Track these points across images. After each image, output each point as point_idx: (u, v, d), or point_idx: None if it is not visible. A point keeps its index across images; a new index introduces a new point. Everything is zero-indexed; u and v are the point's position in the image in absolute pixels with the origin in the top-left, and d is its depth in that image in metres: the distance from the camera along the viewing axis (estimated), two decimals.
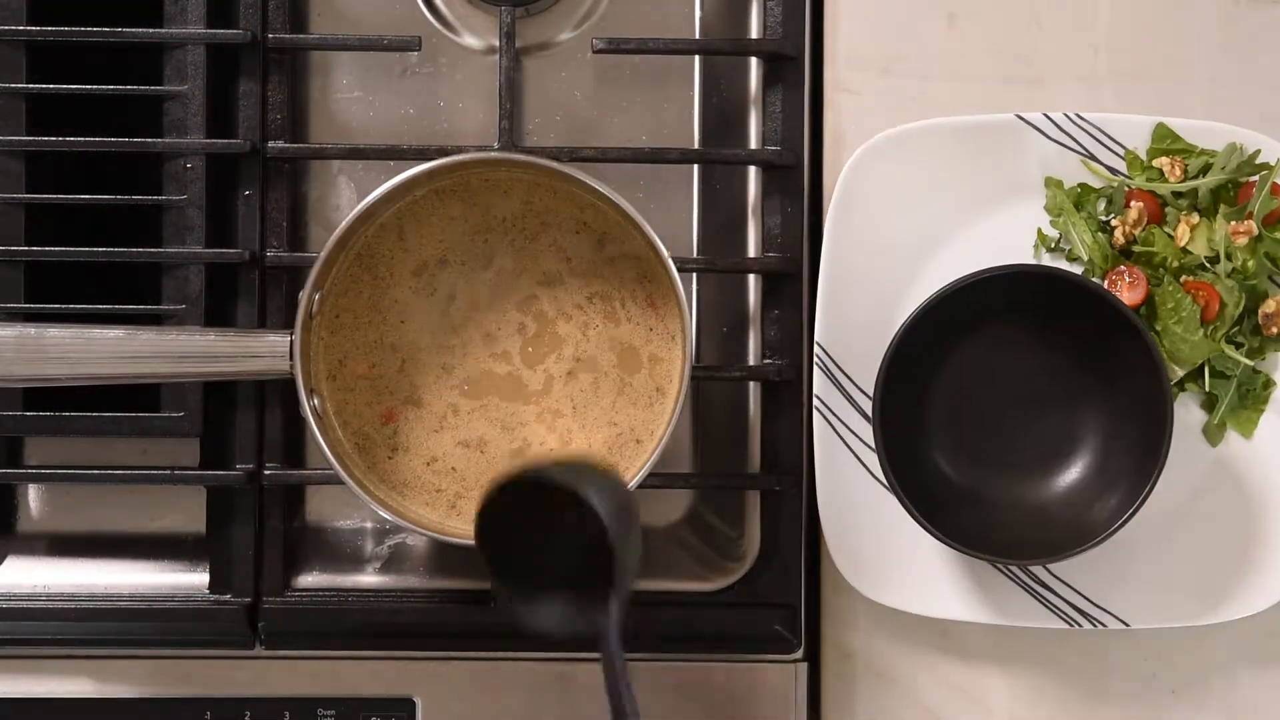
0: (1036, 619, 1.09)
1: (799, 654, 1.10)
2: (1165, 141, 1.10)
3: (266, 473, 1.10)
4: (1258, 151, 1.09)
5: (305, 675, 1.10)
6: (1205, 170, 1.10)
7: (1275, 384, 1.10)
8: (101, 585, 1.11)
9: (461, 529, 1.05)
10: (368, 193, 1.02)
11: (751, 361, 1.13)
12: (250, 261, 1.09)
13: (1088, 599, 1.09)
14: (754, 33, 1.15)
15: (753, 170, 1.14)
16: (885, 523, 1.09)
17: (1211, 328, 1.09)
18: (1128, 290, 1.09)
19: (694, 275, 1.14)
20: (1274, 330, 1.09)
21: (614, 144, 1.14)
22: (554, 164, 1.03)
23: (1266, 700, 1.11)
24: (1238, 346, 1.09)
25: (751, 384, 1.13)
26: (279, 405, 1.10)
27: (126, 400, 1.08)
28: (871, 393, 1.06)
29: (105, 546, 1.13)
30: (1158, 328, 1.09)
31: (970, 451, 1.10)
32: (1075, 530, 1.06)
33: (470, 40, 1.16)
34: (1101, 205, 1.11)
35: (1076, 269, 1.11)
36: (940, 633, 1.11)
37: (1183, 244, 1.10)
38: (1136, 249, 1.10)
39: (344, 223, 1.02)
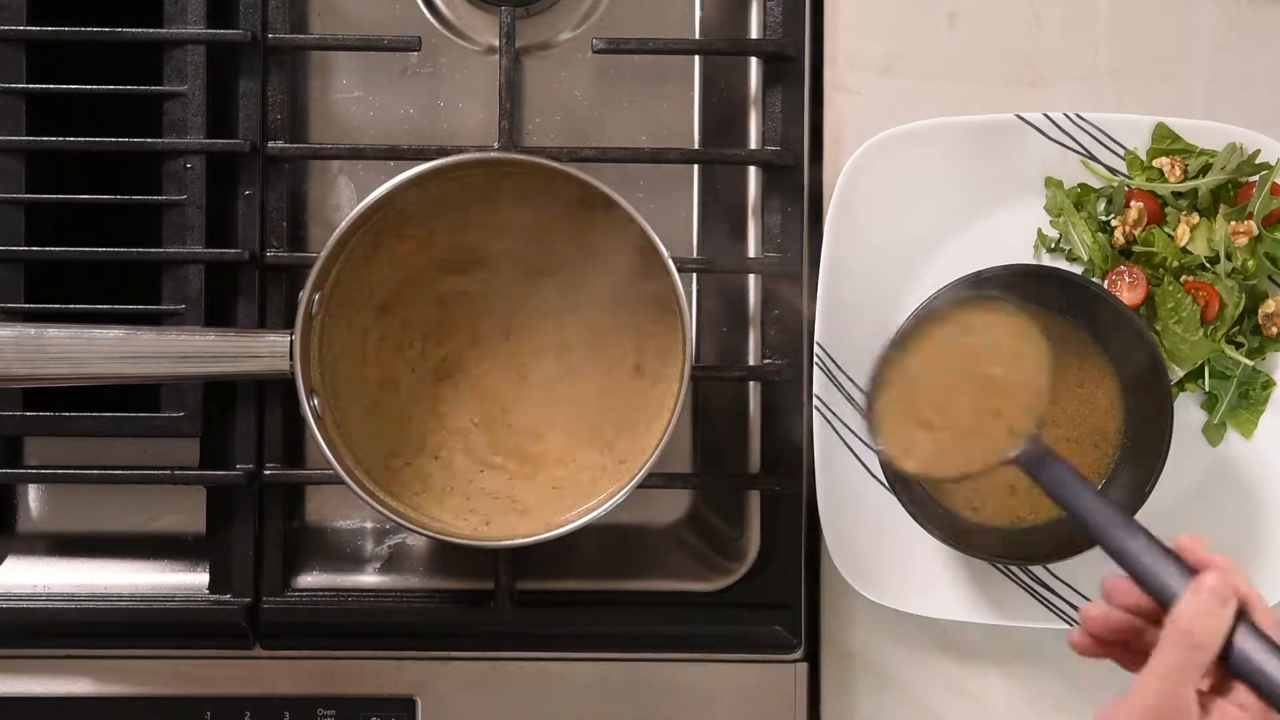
0: (1036, 619, 1.09)
1: (799, 654, 1.10)
2: (1165, 141, 1.10)
3: (266, 473, 1.10)
4: (1258, 151, 1.09)
5: (305, 675, 1.10)
6: (1205, 170, 1.10)
7: (1275, 384, 1.10)
8: (101, 585, 1.11)
9: (462, 529, 1.05)
10: (368, 193, 1.02)
11: (751, 361, 1.13)
12: (250, 261, 1.09)
13: (1088, 599, 1.09)
14: (754, 33, 1.15)
15: (753, 170, 1.14)
16: (885, 523, 1.08)
17: (1211, 328, 1.09)
18: (1128, 290, 1.09)
19: (694, 275, 1.14)
20: (1274, 330, 1.09)
21: (614, 144, 1.14)
22: (554, 164, 1.03)
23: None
24: (1238, 346, 1.09)
25: (751, 384, 1.13)
26: (279, 405, 1.10)
27: (126, 400, 1.08)
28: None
29: (105, 546, 1.13)
30: (1158, 328, 1.09)
31: None
32: (1076, 530, 1.06)
33: (470, 40, 1.16)
34: (1101, 205, 1.11)
35: (1076, 269, 1.11)
36: (940, 633, 1.11)
37: (1183, 244, 1.10)
38: (1136, 249, 1.10)
39: (344, 223, 1.02)
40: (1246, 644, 0.83)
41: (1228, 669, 0.84)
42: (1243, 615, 0.84)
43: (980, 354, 0.94)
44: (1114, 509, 0.89)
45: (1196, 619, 0.83)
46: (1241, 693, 0.83)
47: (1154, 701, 0.83)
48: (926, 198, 1.11)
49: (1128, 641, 0.88)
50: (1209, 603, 0.83)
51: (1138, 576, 0.87)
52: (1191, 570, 0.86)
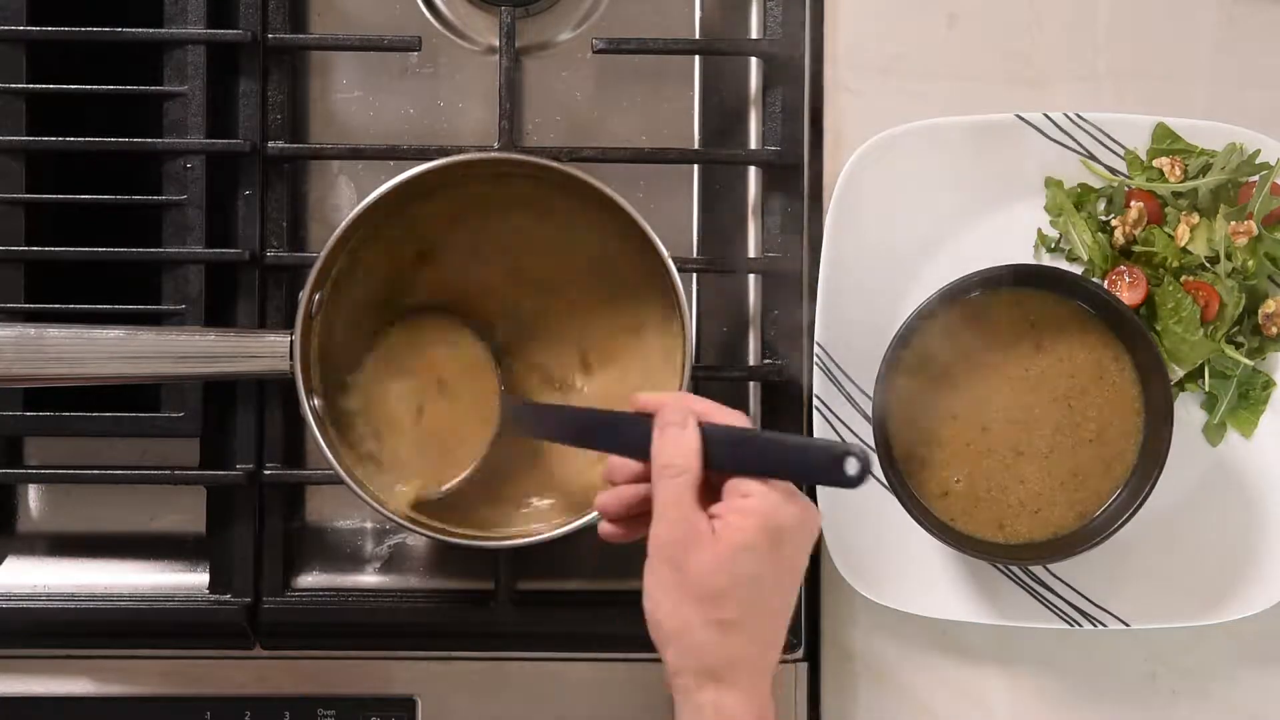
0: (1036, 619, 1.09)
1: (799, 654, 1.10)
2: (1165, 141, 1.10)
3: (266, 473, 1.10)
4: (1258, 151, 1.09)
5: (305, 675, 1.10)
6: (1205, 170, 1.10)
7: (1275, 384, 1.10)
8: (101, 585, 1.11)
9: (462, 529, 1.05)
10: (368, 193, 1.02)
11: (751, 361, 1.13)
12: (250, 261, 1.09)
13: (1088, 599, 1.09)
14: (754, 33, 1.15)
15: (753, 170, 1.14)
16: (885, 523, 1.08)
17: (1211, 328, 1.09)
18: (1128, 290, 1.09)
19: (694, 275, 1.14)
20: (1274, 330, 1.09)
21: (614, 144, 1.14)
22: (554, 164, 1.03)
23: (1266, 700, 1.11)
24: (1238, 346, 1.09)
25: (751, 384, 1.13)
26: (279, 405, 1.10)
27: (126, 400, 1.08)
28: (872, 393, 1.06)
29: (105, 546, 1.13)
30: (1158, 328, 1.09)
31: None
32: (1075, 530, 1.06)
33: (470, 40, 1.16)
34: (1101, 205, 1.11)
35: (1076, 269, 1.11)
36: (940, 633, 1.11)
37: (1183, 244, 1.10)
38: (1136, 249, 1.10)
39: (344, 223, 1.02)
40: (719, 447, 0.89)
41: (724, 474, 0.89)
42: (705, 426, 0.90)
43: None
44: (579, 411, 1.02)
45: (666, 450, 0.90)
46: (739, 488, 0.88)
47: (666, 531, 0.88)
48: (926, 198, 1.11)
49: (648, 510, 0.91)
50: (670, 431, 0.90)
51: (621, 449, 0.93)
52: (652, 416, 0.92)
